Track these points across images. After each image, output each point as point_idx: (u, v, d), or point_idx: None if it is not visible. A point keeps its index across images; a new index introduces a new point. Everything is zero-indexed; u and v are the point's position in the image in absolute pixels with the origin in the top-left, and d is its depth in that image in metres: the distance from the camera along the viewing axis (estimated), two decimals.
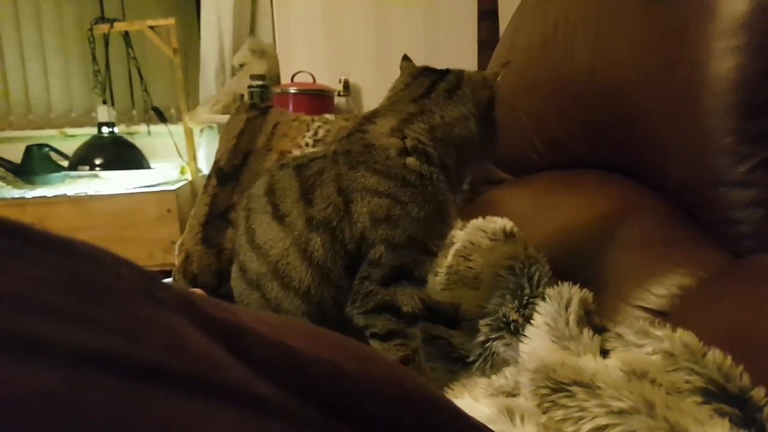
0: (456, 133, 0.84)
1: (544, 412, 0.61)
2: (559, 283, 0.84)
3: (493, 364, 0.86)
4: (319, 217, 0.81)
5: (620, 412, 0.55)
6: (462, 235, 1.11)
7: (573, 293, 0.80)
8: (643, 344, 0.67)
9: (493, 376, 0.83)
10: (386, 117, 0.85)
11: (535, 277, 0.89)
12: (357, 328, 0.82)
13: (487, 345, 0.86)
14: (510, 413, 0.59)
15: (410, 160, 0.80)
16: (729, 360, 0.59)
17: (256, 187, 0.92)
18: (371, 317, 0.81)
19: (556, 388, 0.61)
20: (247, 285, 0.89)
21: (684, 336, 0.64)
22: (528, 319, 0.85)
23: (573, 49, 1.13)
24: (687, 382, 0.59)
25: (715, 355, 0.60)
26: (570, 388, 0.60)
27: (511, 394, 0.74)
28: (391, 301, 0.80)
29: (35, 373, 0.18)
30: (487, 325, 0.88)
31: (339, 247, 0.81)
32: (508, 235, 1.00)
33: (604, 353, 0.71)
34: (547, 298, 0.81)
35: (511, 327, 0.86)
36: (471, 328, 0.92)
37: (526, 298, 0.88)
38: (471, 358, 0.87)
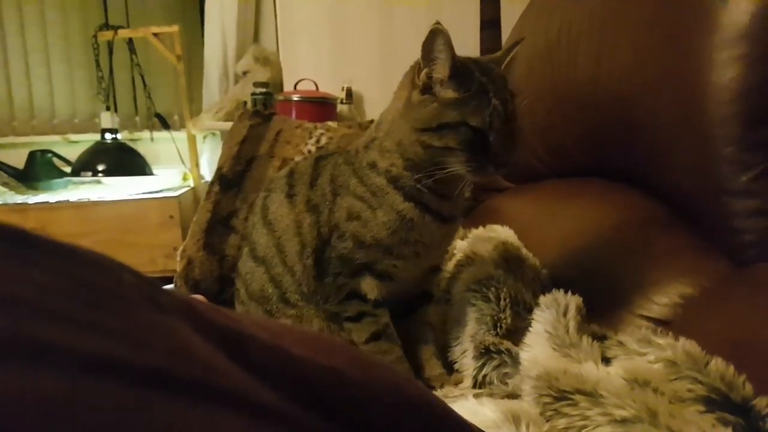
0: (398, 136, 0.84)
1: (547, 420, 0.61)
2: (554, 290, 0.84)
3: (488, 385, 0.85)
4: (314, 201, 0.91)
5: (623, 421, 0.55)
6: (464, 244, 1.11)
7: (569, 300, 0.80)
8: (646, 352, 0.67)
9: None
10: (369, 130, 0.92)
11: (491, 295, 0.90)
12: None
13: (478, 378, 0.85)
14: (516, 419, 0.59)
15: (371, 173, 0.86)
16: (732, 369, 0.59)
17: (282, 171, 1.02)
18: (343, 304, 0.90)
19: (558, 396, 0.61)
20: (254, 261, 0.97)
21: (686, 344, 0.64)
22: (506, 335, 0.86)
23: (576, 57, 1.13)
24: (690, 390, 0.59)
25: (717, 363, 0.60)
26: (572, 397, 0.60)
27: (512, 396, 0.74)
28: (357, 290, 0.88)
29: (40, 379, 0.18)
30: (473, 358, 0.86)
31: (316, 229, 0.90)
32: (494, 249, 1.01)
33: (606, 361, 0.71)
34: (544, 306, 0.81)
35: (492, 347, 0.85)
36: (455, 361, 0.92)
37: (489, 318, 0.88)
38: (466, 384, 0.86)
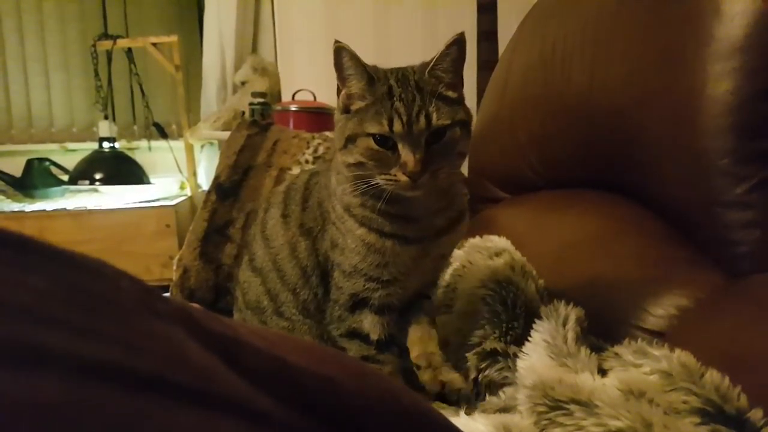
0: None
1: (542, 430, 0.61)
2: (555, 301, 0.84)
3: (489, 395, 0.84)
4: (307, 225, 0.89)
5: (618, 431, 0.55)
6: (460, 254, 1.11)
7: (569, 311, 0.80)
8: (641, 364, 0.67)
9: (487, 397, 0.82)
10: None
11: (509, 301, 0.89)
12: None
13: (479, 379, 0.85)
14: (507, 431, 0.59)
15: (334, 200, 0.84)
16: (726, 380, 0.59)
17: (282, 184, 1.01)
18: (345, 341, 0.86)
19: (553, 405, 0.61)
20: (252, 271, 0.96)
21: (682, 356, 0.64)
22: (514, 342, 0.85)
23: (571, 70, 1.14)
24: (684, 402, 0.59)
25: (712, 375, 0.60)
26: (567, 406, 0.60)
27: (505, 409, 0.74)
28: (358, 329, 0.84)
29: (37, 384, 0.18)
30: (475, 354, 0.86)
31: (315, 256, 0.88)
32: (497, 255, 1.00)
33: (602, 372, 0.71)
34: (544, 316, 0.81)
35: (499, 350, 0.85)
36: (458, 365, 0.89)
37: (504, 325, 0.88)
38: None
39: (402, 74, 0.76)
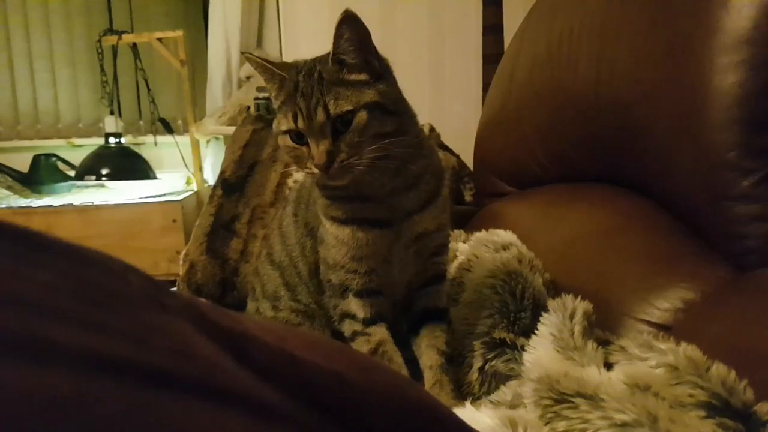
0: None
1: (546, 423, 0.61)
2: (563, 295, 0.84)
3: (495, 386, 0.84)
4: (310, 225, 0.92)
5: (623, 425, 0.55)
6: (465, 248, 1.11)
7: (577, 305, 0.80)
8: (647, 357, 0.67)
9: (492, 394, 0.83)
10: None
11: (517, 291, 0.90)
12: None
13: (486, 368, 0.86)
14: (513, 424, 0.59)
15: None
16: (733, 374, 0.59)
17: (301, 182, 1.04)
18: (341, 326, 0.89)
19: (559, 399, 0.61)
20: (271, 265, 1.00)
21: (688, 350, 0.64)
22: (521, 333, 0.85)
23: (577, 63, 1.14)
24: (690, 395, 0.58)
25: (719, 369, 0.60)
26: (573, 400, 0.60)
27: (511, 405, 0.74)
28: (347, 310, 0.87)
29: (46, 377, 0.19)
30: (483, 344, 0.87)
31: (317, 253, 0.91)
32: (504, 248, 1.01)
33: (608, 366, 0.71)
34: (551, 309, 0.81)
35: (507, 341, 0.86)
36: (464, 354, 0.90)
37: (512, 314, 0.88)
38: (473, 391, 0.85)
39: (309, 67, 0.76)
